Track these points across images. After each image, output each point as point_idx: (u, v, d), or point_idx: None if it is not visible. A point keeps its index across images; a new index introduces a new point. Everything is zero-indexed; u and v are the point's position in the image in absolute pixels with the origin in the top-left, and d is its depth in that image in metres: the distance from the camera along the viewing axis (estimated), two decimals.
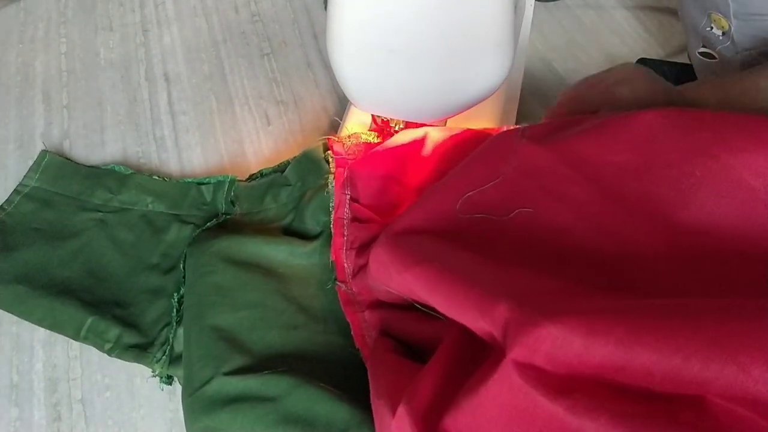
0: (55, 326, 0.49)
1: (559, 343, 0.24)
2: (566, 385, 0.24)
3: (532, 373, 0.24)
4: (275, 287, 0.47)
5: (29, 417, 0.46)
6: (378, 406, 0.34)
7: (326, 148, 0.52)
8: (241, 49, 0.69)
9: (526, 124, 0.42)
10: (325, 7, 0.72)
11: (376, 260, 0.38)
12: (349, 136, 0.52)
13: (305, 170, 0.53)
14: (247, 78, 0.67)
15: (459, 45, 0.39)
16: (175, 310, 0.49)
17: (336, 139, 0.52)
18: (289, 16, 0.72)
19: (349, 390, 0.40)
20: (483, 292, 0.29)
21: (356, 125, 0.53)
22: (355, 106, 0.49)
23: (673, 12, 0.66)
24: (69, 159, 0.60)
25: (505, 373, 0.25)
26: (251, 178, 0.56)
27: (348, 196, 0.48)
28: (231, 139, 0.62)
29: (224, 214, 0.54)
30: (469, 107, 0.46)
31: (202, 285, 0.47)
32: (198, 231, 0.53)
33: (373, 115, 0.52)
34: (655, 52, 0.65)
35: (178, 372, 0.46)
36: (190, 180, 0.57)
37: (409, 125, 0.50)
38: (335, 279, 0.46)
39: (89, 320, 0.48)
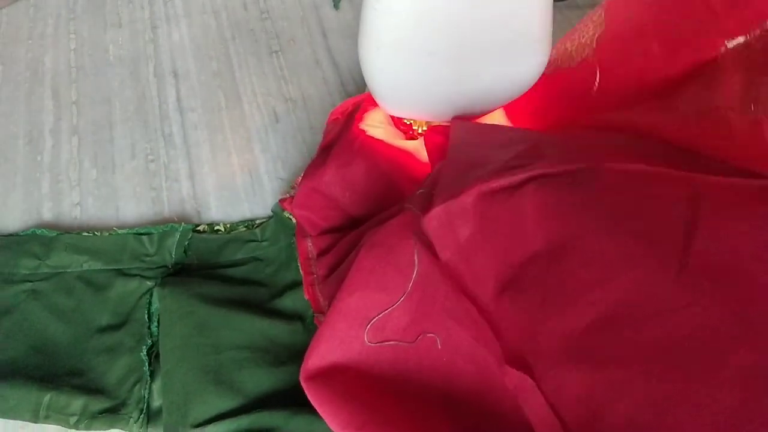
0: (8, 413, 0.43)
1: None
2: None
3: None
4: (259, 327, 0.46)
5: None
6: None
7: (282, 208, 0.54)
8: (249, 47, 0.69)
9: (418, 213, 0.35)
10: (334, 5, 0.72)
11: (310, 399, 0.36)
12: (293, 188, 0.55)
13: (279, 230, 0.54)
14: (256, 75, 0.67)
15: (500, 45, 0.38)
16: (146, 363, 0.45)
17: (288, 195, 0.55)
18: (297, 13, 0.72)
19: None
20: None
21: (374, 122, 0.53)
22: (384, 109, 0.48)
23: None
24: None
25: None
26: (196, 230, 0.55)
27: (309, 240, 0.49)
28: (239, 136, 0.62)
29: (176, 264, 0.51)
30: (501, 105, 0.46)
31: (184, 326, 0.45)
32: (161, 278, 0.50)
33: (393, 117, 0.52)
34: None
35: (158, 431, 0.44)
36: (125, 231, 0.53)
37: (431, 127, 0.50)
38: (313, 313, 0.47)
39: (47, 397, 0.43)
